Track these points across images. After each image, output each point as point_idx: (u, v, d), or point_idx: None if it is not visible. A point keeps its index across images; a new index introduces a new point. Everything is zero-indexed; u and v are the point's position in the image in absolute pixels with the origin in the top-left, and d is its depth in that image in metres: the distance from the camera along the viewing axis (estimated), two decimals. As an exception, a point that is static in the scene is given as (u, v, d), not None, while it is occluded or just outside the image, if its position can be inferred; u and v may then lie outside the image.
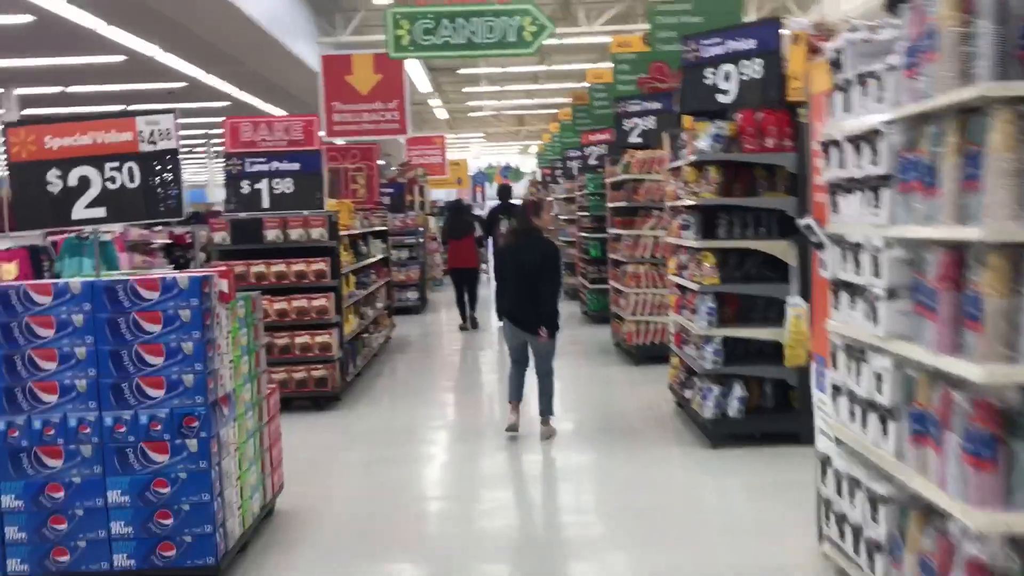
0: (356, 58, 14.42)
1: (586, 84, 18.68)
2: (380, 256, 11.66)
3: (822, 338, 4.39)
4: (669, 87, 10.18)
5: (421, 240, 16.46)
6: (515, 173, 41.71)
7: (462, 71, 23.91)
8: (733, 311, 6.81)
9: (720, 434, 6.50)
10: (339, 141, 14.41)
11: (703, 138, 6.48)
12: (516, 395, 7.13)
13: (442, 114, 29.95)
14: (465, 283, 13.60)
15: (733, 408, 6.47)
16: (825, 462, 4.36)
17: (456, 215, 14.39)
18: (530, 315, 6.77)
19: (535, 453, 6.81)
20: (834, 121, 4.03)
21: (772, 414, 6.62)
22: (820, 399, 4.56)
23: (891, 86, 3.36)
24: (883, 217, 3.40)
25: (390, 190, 15.07)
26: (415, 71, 20.76)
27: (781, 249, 6.39)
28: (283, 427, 6.20)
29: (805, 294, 6.23)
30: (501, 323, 7.20)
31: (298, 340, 8.26)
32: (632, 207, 10.25)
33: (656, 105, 10.21)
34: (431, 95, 25.89)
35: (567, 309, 15.86)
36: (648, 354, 9.98)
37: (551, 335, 6.85)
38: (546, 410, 7.09)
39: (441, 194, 32.35)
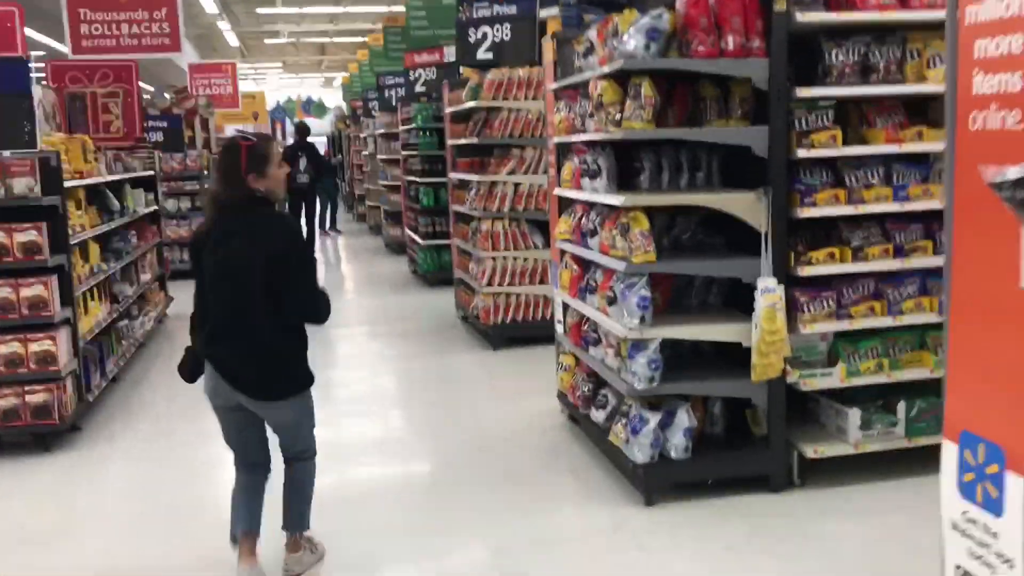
0: (109, -50, 11.08)
1: (396, 8, 16.02)
2: (145, 210, 8.74)
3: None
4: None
5: (206, 185, 13.40)
6: (319, 107, 38.27)
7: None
8: (664, 298, 4.63)
9: (657, 484, 4.35)
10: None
11: (632, 35, 4.17)
12: (246, 521, 3.72)
13: (233, 40, 26.21)
14: None
15: (676, 446, 4.31)
16: None
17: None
18: (253, 364, 3.49)
19: None
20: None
21: (727, 448, 4.53)
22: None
23: None
24: None
25: (163, 124, 11.95)
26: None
27: (745, 206, 4.23)
28: None
29: (779, 273, 4.13)
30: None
31: (2, 350, 5.41)
32: (484, 145, 7.87)
33: (511, 9, 7.82)
34: (219, 17, 22.29)
35: (392, 267, 13.42)
36: (509, 335, 7.74)
37: (303, 393, 3.64)
38: (296, 523, 3.82)
39: (235, 131, 28.76)
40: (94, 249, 6.63)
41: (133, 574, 3.94)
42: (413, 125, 11.13)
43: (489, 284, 7.66)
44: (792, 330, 4.26)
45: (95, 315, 6.46)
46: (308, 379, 3.65)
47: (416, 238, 11.54)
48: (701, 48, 4.12)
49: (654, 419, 4.25)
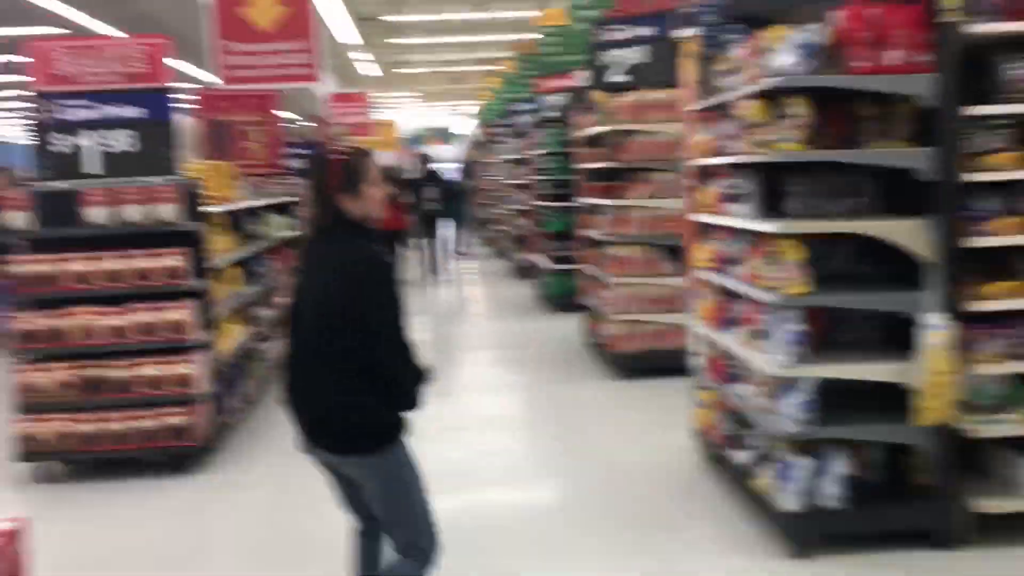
0: (253, -16, 11.48)
1: (531, 35, 16.04)
2: (284, 235, 8.91)
3: None
4: (663, 5, 7.56)
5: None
6: (451, 135, 38.97)
7: (392, 19, 21.01)
8: (817, 333, 4.30)
9: (808, 535, 4.01)
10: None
11: (782, 51, 3.90)
12: None
13: (372, 70, 26.92)
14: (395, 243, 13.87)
15: (830, 494, 3.97)
16: None
17: (392, 182, 14.23)
18: (320, 408, 3.02)
19: None
20: None
21: (886, 499, 4.14)
22: None
23: None
24: None
25: (301, 151, 12.23)
26: (340, 20, 17.82)
27: (909, 234, 3.88)
28: (114, 505, 4.59)
29: (948, 308, 3.76)
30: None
31: (142, 372, 5.53)
32: (617, 169, 7.66)
33: (647, 30, 7.62)
34: (358, 47, 22.91)
35: (518, 291, 13.33)
36: (640, 366, 7.47)
37: (381, 451, 2.98)
38: None
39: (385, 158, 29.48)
40: (233, 273, 6.75)
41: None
42: (543, 150, 11.03)
43: (618, 311, 7.42)
44: (963, 371, 3.87)
45: (233, 338, 6.57)
46: (387, 433, 2.96)
47: (543, 262, 11.41)
48: (860, 64, 3.82)
49: (807, 466, 3.93)
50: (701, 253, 5.03)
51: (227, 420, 6.20)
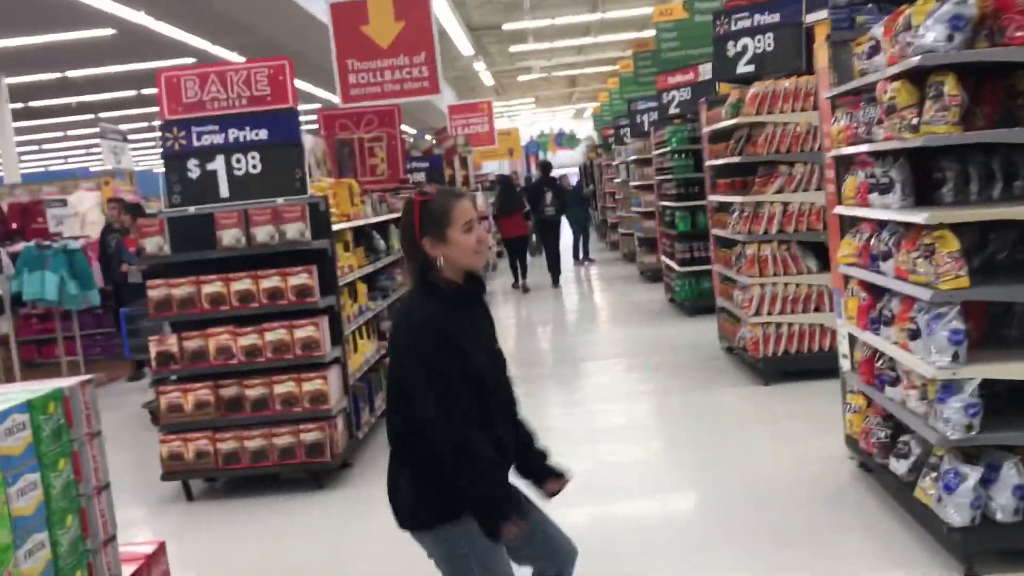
0: (372, 2, 11.65)
1: (645, 33, 15.74)
2: (409, 249, 8.96)
3: None
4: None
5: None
6: (570, 139, 38.88)
7: (507, 27, 21.08)
8: (978, 330, 3.94)
9: (978, 551, 3.67)
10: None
11: (929, 26, 3.59)
12: None
13: (488, 79, 27.12)
14: (517, 252, 15.15)
15: (1003, 507, 3.62)
16: None
17: (506, 191, 15.80)
18: (389, 480, 2.85)
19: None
20: None
21: (1069, 510, 3.75)
22: None
23: None
24: None
25: (424, 164, 12.34)
26: (454, 31, 18.01)
27: (1084, 218, 3.50)
28: (253, 521, 4.60)
29: None
30: None
31: (278, 390, 5.60)
32: (747, 164, 7.35)
33: (774, 17, 7.29)
34: (475, 58, 23.10)
35: (646, 295, 13.05)
36: (782, 368, 7.14)
37: (437, 528, 2.72)
38: None
39: (493, 166, 29.68)
40: (361, 288, 6.80)
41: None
42: (667, 148, 10.76)
43: (757, 313, 7.11)
44: None
45: (364, 353, 6.61)
46: (440, 513, 2.66)
47: (672, 265, 11.12)
48: (1021, 33, 3.47)
49: (974, 475, 3.59)
50: (845, 248, 4.71)
51: (360, 435, 6.23)
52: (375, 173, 9.30)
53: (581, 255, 18.88)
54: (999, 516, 3.61)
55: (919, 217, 3.66)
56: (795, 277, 7.07)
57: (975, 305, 3.83)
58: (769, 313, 7.09)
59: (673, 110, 11.02)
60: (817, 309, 7.05)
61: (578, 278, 16.78)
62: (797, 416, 6.26)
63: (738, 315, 7.61)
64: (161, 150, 5.90)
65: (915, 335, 3.81)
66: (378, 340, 7.26)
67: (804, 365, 7.04)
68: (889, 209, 4.07)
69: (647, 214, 13.52)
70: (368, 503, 5.39)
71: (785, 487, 4.93)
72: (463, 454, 2.57)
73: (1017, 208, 3.65)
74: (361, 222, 6.93)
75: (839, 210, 4.82)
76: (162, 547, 2.83)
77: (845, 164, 4.84)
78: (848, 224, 4.89)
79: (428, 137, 13.13)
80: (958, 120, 3.57)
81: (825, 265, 7.05)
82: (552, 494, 2.93)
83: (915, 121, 3.71)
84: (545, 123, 40.63)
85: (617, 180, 17.60)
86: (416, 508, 2.69)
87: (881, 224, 4.32)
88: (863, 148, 4.27)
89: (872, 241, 4.38)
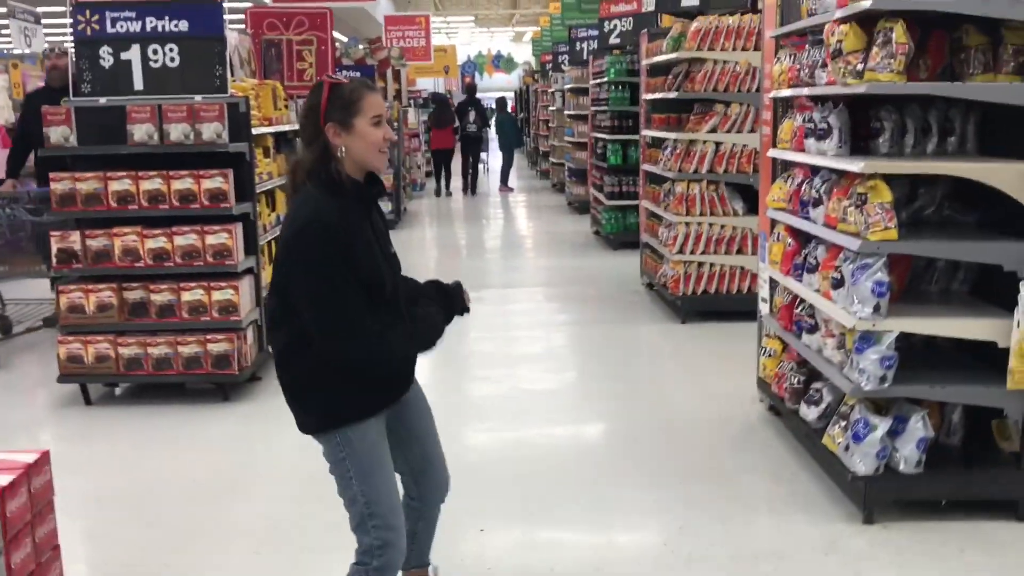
0: None
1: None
2: (334, 161, 8.65)
3: None
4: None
5: (398, 138, 13.38)
6: (508, 62, 38.26)
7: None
8: (899, 283, 3.95)
9: (880, 499, 3.73)
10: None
11: (884, -33, 3.49)
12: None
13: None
14: (443, 162, 17.45)
15: (907, 458, 3.67)
16: None
17: (440, 107, 17.37)
18: (285, 390, 2.68)
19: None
20: None
21: (966, 465, 3.84)
22: None
23: None
24: None
25: (355, 73, 11.93)
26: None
27: (1017, 179, 3.50)
28: (154, 431, 4.54)
29: (1052, 261, 3.38)
30: None
31: (186, 297, 5.37)
32: (684, 100, 7.25)
33: (723, -50, 7.12)
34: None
35: (573, 227, 12.99)
36: (700, 308, 7.17)
37: (322, 431, 2.62)
38: None
39: (427, 84, 29.00)
40: (280, 198, 6.54)
41: (297, 537, 3.73)
42: (604, 79, 10.59)
43: (680, 251, 7.09)
44: (1063, 331, 3.51)
45: (278, 265, 6.38)
46: (329, 416, 2.57)
47: (601, 198, 11.06)
48: (973, -17, 3.40)
49: (883, 426, 3.63)
50: (776, 192, 4.67)
51: (269, 348, 6.05)
52: (302, 78, 8.91)
53: (506, 182, 18.68)
54: (902, 467, 3.67)
55: (855, 166, 3.61)
56: (721, 218, 7.05)
57: (900, 259, 3.82)
58: (692, 252, 7.08)
59: (614, 40, 10.82)
60: (740, 251, 7.07)
61: (505, 204, 16.63)
62: (711, 356, 6.31)
63: (661, 252, 7.59)
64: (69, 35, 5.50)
65: (838, 284, 3.80)
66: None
67: (722, 306, 7.08)
68: (824, 156, 4.01)
69: (580, 145, 13.38)
70: (276, 418, 5.20)
71: (695, 424, 4.96)
72: (373, 361, 2.54)
73: (954, 163, 3.63)
74: (284, 127, 6.63)
75: (773, 153, 4.77)
76: (45, 456, 2.65)
77: (784, 106, 4.77)
78: (781, 168, 4.85)
79: (361, 46, 12.66)
80: (903, 69, 3.51)
81: (752, 208, 7.06)
82: (465, 307, 2.81)
83: (860, 67, 3.63)
84: (484, 44, 39.83)
85: (552, 108, 17.37)
86: (304, 414, 2.64)
87: (814, 170, 4.28)
88: (804, 91, 4.19)
89: (804, 187, 4.34)
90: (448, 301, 2.76)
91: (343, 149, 2.49)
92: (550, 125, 18.00)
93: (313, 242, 2.41)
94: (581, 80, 13.04)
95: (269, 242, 6.08)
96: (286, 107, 6.81)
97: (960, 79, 3.74)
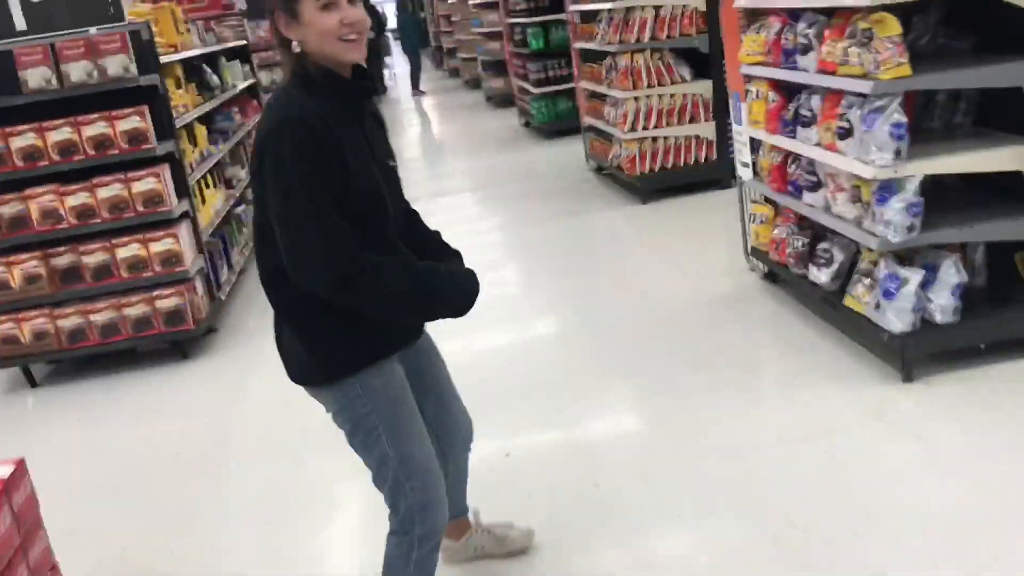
0: None
1: None
2: (244, 85, 8.02)
3: None
4: None
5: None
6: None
7: None
8: (909, 120, 3.67)
9: (919, 355, 3.53)
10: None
11: None
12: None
13: None
14: None
15: (943, 307, 3.47)
16: None
17: None
18: (278, 332, 2.26)
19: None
20: None
21: (999, 305, 3.65)
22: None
23: None
24: None
25: (246, -11, 11.04)
26: None
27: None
28: (112, 403, 4.18)
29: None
30: None
31: (122, 253, 4.85)
32: (614, -33, 6.77)
33: None
34: None
35: (498, 122, 12.47)
36: (660, 185, 6.88)
37: (335, 380, 2.17)
38: None
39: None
40: (201, 132, 5.96)
41: (307, 499, 3.39)
42: (515, -41, 9.97)
43: (633, 129, 6.74)
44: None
45: (212, 204, 5.86)
46: (344, 359, 2.14)
47: (527, 87, 10.57)
48: None
49: (915, 278, 3.41)
50: (749, 46, 4.33)
51: (222, 296, 5.58)
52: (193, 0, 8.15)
53: (416, 86, 17.96)
54: (938, 317, 3.47)
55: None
56: (670, 87, 6.70)
57: (905, 97, 3.54)
58: (645, 128, 6.74)
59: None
60: (692, 120, 6.76)
61: (420, 108, 15.96)
62: (685, 232, 6.04)
63: (610, 133, 7.23)
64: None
65: (847, 133, 3.51)
66: (225, 188, 6.49)
67: (683, 179, 6.81)
68: (809, -7, 3.67)
69: (492, 35, 12.78)
70: (242, 369, 4.84)
71: (692, 305, 4.69)
72: (380, 296, 2.02)
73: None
74: (191, 53, 6.00)
75: (743, 3, 4.39)
76: (21, 467, 2.23)
77: (745, -49, 4.39)
78: (748, 19, 4.49)
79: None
80: None
81: (699, 72, 6.73)
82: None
83: None
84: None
85: (451, 1, 16.60)
86: (308, 363, 2.16)
87: (794, 15, 3.94)
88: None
89: (784, 35, 4.01)
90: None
91: (297, 43, 2.05)
92: (452, 20, 17.25)
93: (287, 141, 1.95)
94: (483, -35, 12.36)
95: (198, 181, 5.54)
96: (187, 31, 6.16)
97: None
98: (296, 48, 2.05)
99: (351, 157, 2.01)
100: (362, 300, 2.02)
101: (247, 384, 4.63)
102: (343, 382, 2.15)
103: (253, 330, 5.36)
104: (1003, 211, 3.49)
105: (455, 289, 2.18)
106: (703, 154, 6.78)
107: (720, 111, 6.65)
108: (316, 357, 2.14)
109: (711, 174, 6.79)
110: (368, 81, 2.16)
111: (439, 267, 2.19)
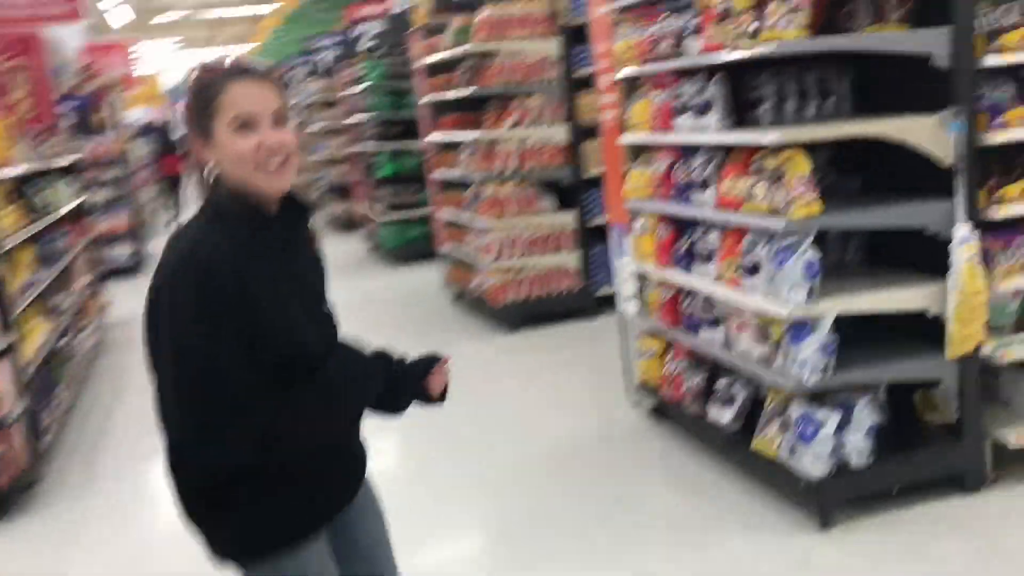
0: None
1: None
2: (72, 203, 7.36)
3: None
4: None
5: (128, 173, 11.88)
6: (222, 85, 36.06)
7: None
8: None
9: (835, 500, 3.38)
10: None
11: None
12: None
13: (125, 14, 24.05)
14: (174, 189, 15.52)
15: (858, 450, 3.35)
16: None
17: (160, 134, 16.44)
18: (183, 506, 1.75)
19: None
20: None
21: (908, 445, 3.57)
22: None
23: None
24: None
25: (73, 104, 10.41)
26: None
27: (925, 133, 3.26)
28: None
29: (974, 216, 3.21)
30: None
31: (-75, 398, 4.13)
32: (475, 98, 6.71)
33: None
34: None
35: (343, 247, 12.11)
36: (527, 315, 6.70)
37: (246, 556, 1.78)
38: None
39: (138, 114, 26.64)
40: (25, 256, 5.32)
41: None
42: (366, 83, 9.85)
43: (498, 258, 6.57)
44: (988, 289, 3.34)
45: (35, 336, 5.18)
46: (256, 535, 1.76)
47: (375, 212, 10.33)
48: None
49: (831, 420, 3.28)
50: (636, 181, 4.25)
51: (45, 442, 4.86)
52: (19, 112, 7.51)
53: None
54: (854, 460, 3.34)
55: (766, 138, 3.22)
56: (534, 217, 6.61)
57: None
58: (510, 257, 6.59)
59: (369, 43, 10.12)
60: (557, 250, 6.68)
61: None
62: (556, 365, 5.82)
63: (472, 262, 7.04)
64: None
65: (753, 271, 3.42)
66: (52, 319, 5.80)
67: (549, 308, 6.67)
68: (707, 132, 3.63)
69: (337, 160, 12.55)
70: (68, 531, 4.14)
71: (571, 449, 4.40)
72: (309, 436, 1.78)
73: (865, 124, 3.30)
74: (17, 170, 5.40)
75: (629, 138, 4.34)
76: None
77: (631, 87, 4.36)
78: (633, 154, 4.44)
79: (72, 73, 11.09)
80: (808, 24, 3.17)
81: (562, 203, 6.70)
82: (442, 393, 2.19)
83: (753, 27, 3.26)
84: (192, 64, 37.37)
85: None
86: (215, 531, 1.77)
87: (688, 151, 3.89)
88: (681, 63, 3.76)
89: (676, 170, 3.95)
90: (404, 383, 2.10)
91: (210, 167, 1.75)
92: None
93: (182, 288, 1.63)
94: (328, 91, 12.22)
95: (24, 310, 4.88)
96: (15, 147, 5.57)
97: (847, 31, 3.47)
98: (208, 173, 1.72)
99: (264, 297, 1.69)
100: (295, 445, 1.74)
101: (83, 541, 3.96)
102: (255, 561, 1.78)
103: (80, 483, 4.65)
104: (910, 350, 3.45)
105: (370, 381, 1.98)
106: (567, 284, 6.68)
107: (584, 242, 6.63)
108: (224, 528, 1.76)
109: (576, 303, 6.69)
110: (299, 211, 1.83)
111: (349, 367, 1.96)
